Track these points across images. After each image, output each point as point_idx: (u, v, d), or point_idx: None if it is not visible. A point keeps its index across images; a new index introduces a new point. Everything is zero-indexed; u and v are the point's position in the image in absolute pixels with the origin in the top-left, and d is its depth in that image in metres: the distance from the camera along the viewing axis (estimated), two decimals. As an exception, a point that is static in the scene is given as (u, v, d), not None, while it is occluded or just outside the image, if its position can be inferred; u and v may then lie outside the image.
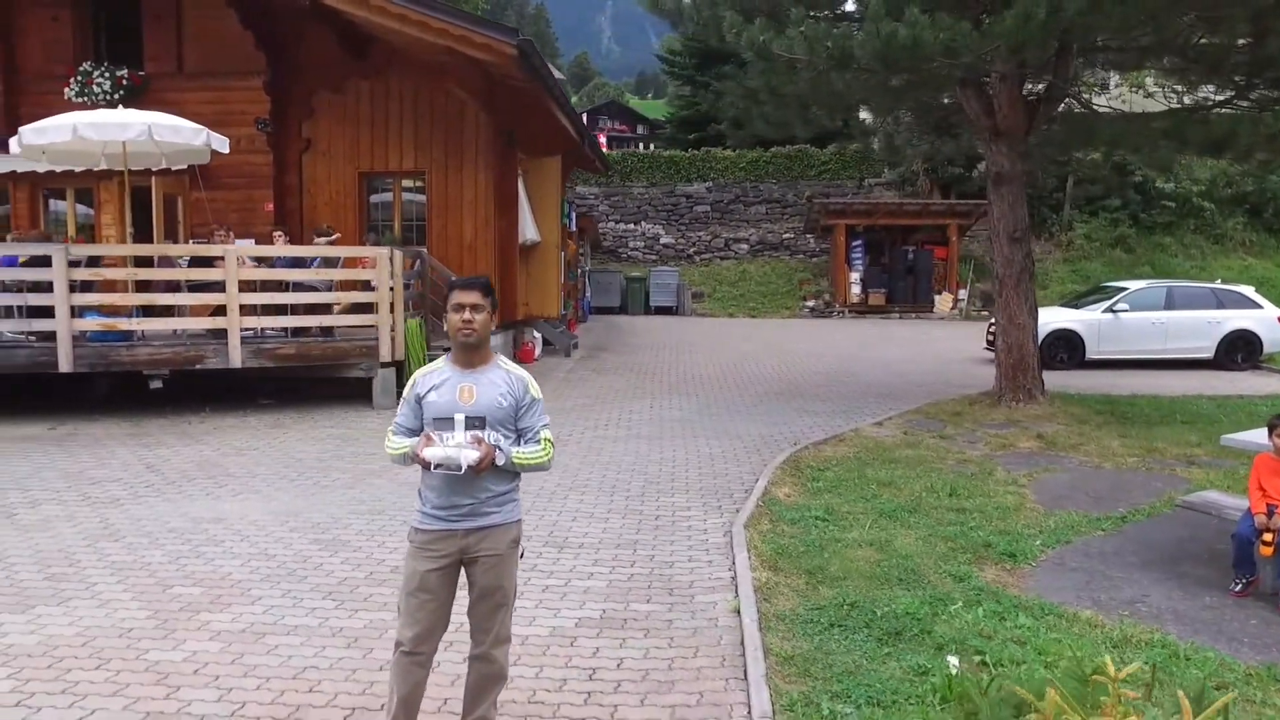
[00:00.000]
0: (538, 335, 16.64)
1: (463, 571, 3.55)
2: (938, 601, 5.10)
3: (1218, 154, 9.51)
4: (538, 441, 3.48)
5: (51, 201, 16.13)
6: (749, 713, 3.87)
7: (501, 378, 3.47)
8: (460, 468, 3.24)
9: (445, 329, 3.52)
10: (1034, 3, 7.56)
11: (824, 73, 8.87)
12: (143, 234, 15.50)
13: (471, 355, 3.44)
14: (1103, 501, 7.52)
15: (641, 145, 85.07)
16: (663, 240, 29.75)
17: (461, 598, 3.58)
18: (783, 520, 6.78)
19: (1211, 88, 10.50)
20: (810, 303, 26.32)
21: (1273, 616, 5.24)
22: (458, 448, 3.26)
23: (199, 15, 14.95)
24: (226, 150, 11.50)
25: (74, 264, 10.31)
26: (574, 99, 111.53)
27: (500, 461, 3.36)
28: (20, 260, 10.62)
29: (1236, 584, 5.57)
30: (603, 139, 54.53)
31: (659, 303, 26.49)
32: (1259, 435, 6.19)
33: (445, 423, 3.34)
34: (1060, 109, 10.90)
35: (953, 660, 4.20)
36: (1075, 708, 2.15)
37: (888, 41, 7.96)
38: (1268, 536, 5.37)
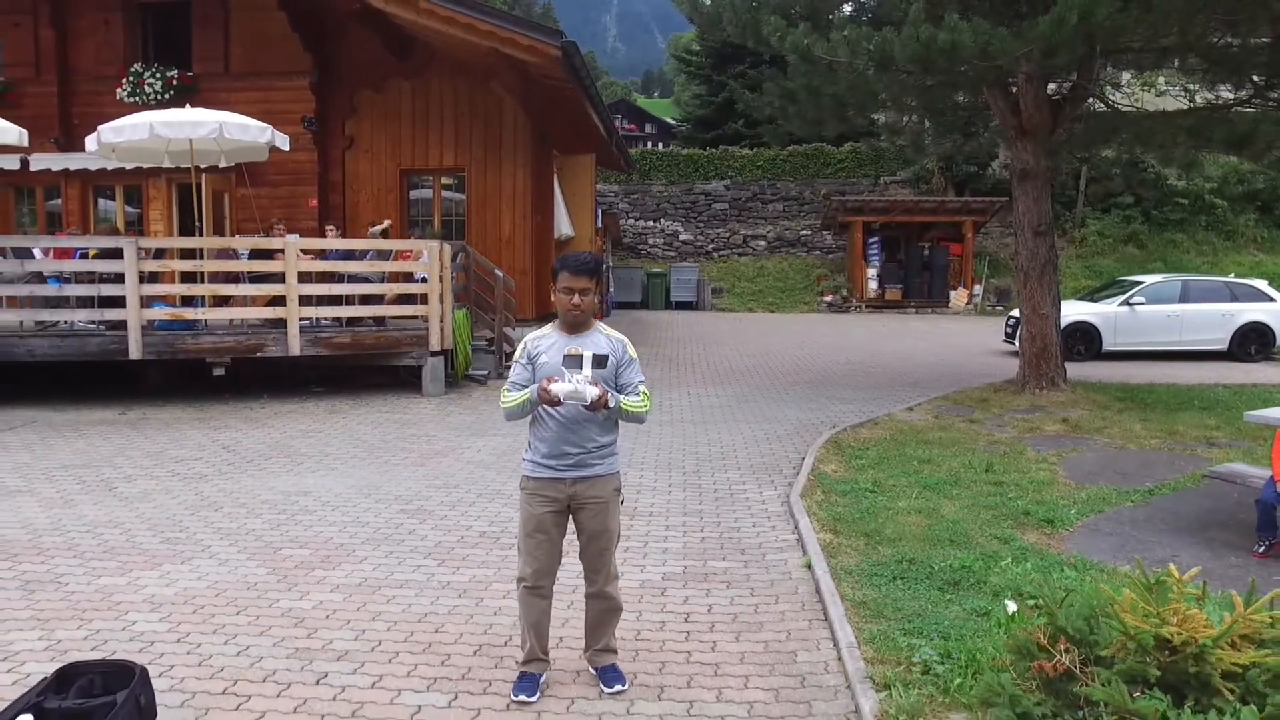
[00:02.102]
0: (570, 328, 17.12)
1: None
2: (988, 558, 5.59)
3: (1238, 151, 9.97)
4: (638, 394, 3.93)
5: (100, 200, 16.69)
6: (835, 644, 4.37)
7: (603, 340, 3.91)
8: (586, 400, 3.65)
9: (553, 301, 3.95)
10: (1067, 8, 8.04)
11: (863, 74, 9.34)
12: (189, 230, 16.08)
13: (576, 326, 3.92)
14: (1130, 478, 7.99)
15: (650, 144, 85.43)
16: (682, 237, 30.26)
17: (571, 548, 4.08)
18: (834, 492, 7.27)
19: (1228, 86, 10.96)
20: (828, 298, 26.80)
21: (1293, 574, 5.71)
22: (584, 381, 3.67)
23: (246, 17, 15.47)
24: (287, 147, 12.02)
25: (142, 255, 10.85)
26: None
27: (612, 404, 3.78)
28: (91, 253, 11.16)
29: (1260, 545, 6.05)
30: (616, 137, 55.20)
31: (679, 298, 26.99)
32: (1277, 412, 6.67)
33: (574, 360, 3.72)
34: (1083, 108, 11.36)
35: (1010, 604, 4.68)
36: (1150, 599, 2.64)
37: (927, 45, 8.45)
38: (1285, 504, 5.85)
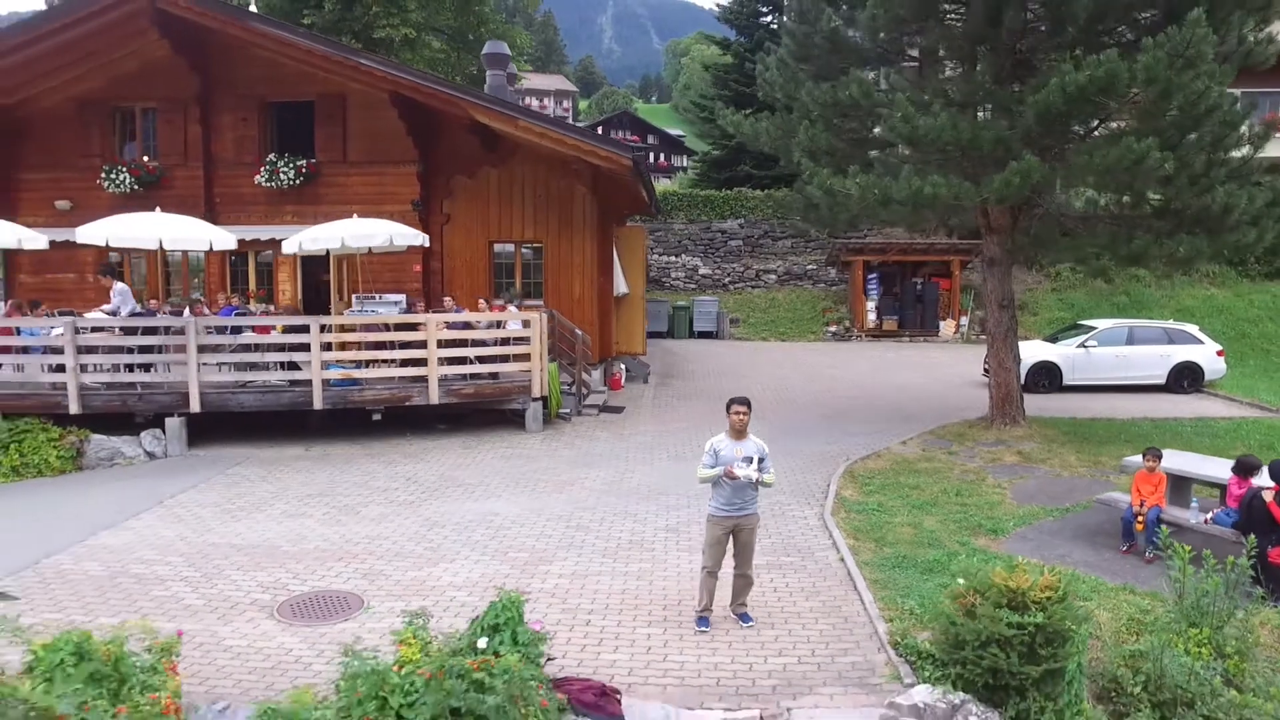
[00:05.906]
0: (623, 367, 20.68)
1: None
2: (950, 555, 9.15)
3: (1136, 265, 13.61)
4: (769, 472, 7.49)
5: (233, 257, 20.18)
6: (862, 602, 7.94)
7: (753, 445, 7.48)
8: (751, 480, 7.27)
9: (727, 419, 7.49)
10: (1012, 173, 11.62)
11: (871, 204, 12.91)
12: (311, 290, 19.63)
13: (739, 433, 7.46)
14: (1056, 499, 11.55)
15: (653, 156, 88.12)
16: (701, 271, 33.84)
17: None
18: (852, 511, 10.83)
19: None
20: (832, 328, 30.37)
21: (1139, 564, 9.28)
22: (753, 470, 7.27)
23: (361, 115, 18.99)
24: (426, 243, 15.56)
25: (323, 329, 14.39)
26: (584, 106, 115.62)
27: (758, 478, 7.37)
28: (279, 328, 14.67)
29: (1123, 546, 9.64)
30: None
31: (701, 328, 30.55)
32: (1139, 458, 10.22)
33: (747, 460, 7.33)
34: (1036, 213, 14.94)
35: (961, 581, 8.22)
36: (1010, 574, 6.18)
37: (916, 193, 12.03)
38: (1136, 520, 9.43)
